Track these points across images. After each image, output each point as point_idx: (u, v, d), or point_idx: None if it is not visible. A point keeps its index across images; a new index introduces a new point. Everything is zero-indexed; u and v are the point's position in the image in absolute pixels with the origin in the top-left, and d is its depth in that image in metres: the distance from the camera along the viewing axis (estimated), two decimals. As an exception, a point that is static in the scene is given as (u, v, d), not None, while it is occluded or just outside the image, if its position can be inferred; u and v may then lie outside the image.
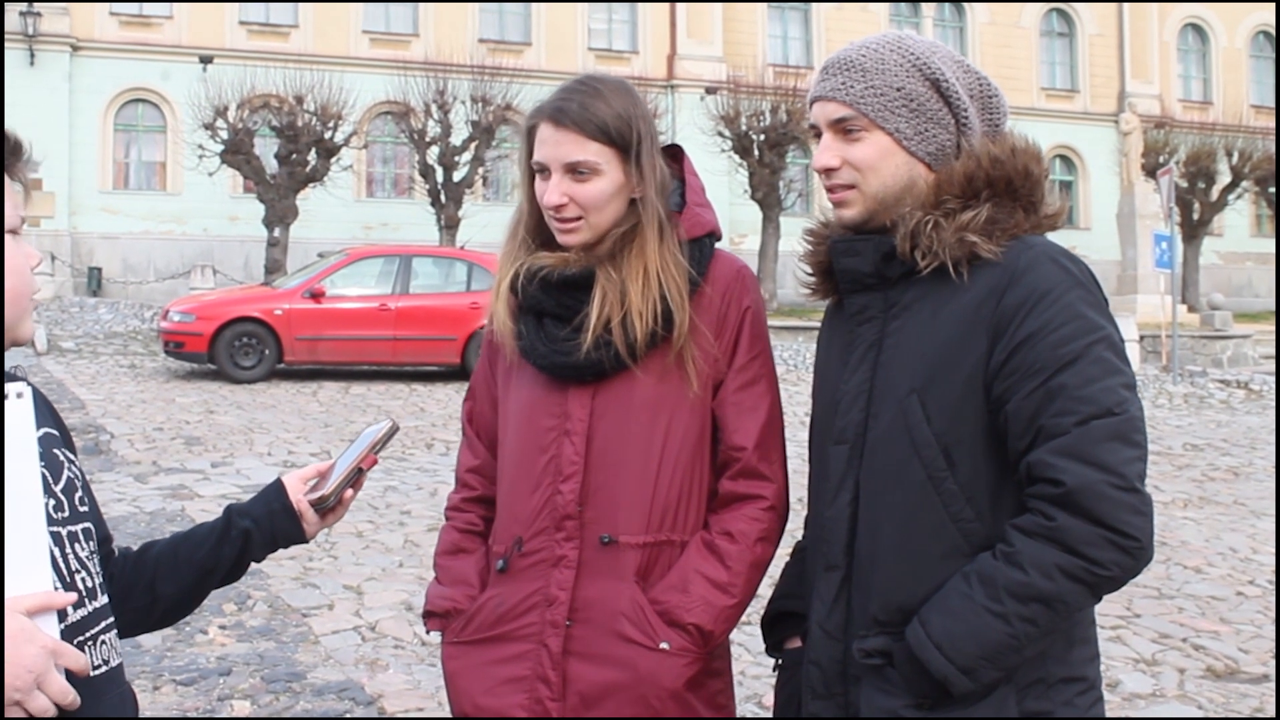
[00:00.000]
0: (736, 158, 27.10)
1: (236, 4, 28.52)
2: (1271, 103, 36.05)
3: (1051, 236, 1.81)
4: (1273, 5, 35.92)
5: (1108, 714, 1.81)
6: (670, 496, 1.94)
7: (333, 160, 24.32)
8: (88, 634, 1.53)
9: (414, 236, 24.67)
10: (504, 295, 2.04)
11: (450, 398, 13.70)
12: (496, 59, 26.87)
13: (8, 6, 25.52)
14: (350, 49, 29.16)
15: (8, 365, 1.58)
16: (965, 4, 35.17)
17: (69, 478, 1.60)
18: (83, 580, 1.55)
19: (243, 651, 5.05)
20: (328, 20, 29.11)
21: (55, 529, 1.51)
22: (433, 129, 25.17)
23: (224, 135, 23.64)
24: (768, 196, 26.76)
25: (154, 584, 1.78)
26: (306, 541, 1.90)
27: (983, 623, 1.63)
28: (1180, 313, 20.36)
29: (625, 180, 1.96)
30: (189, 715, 4.37)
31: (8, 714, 1.35)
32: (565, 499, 1.94)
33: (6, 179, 1.54)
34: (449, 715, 2.05)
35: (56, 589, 1.47)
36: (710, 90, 29.55)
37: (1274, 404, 15.14)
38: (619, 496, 1.94)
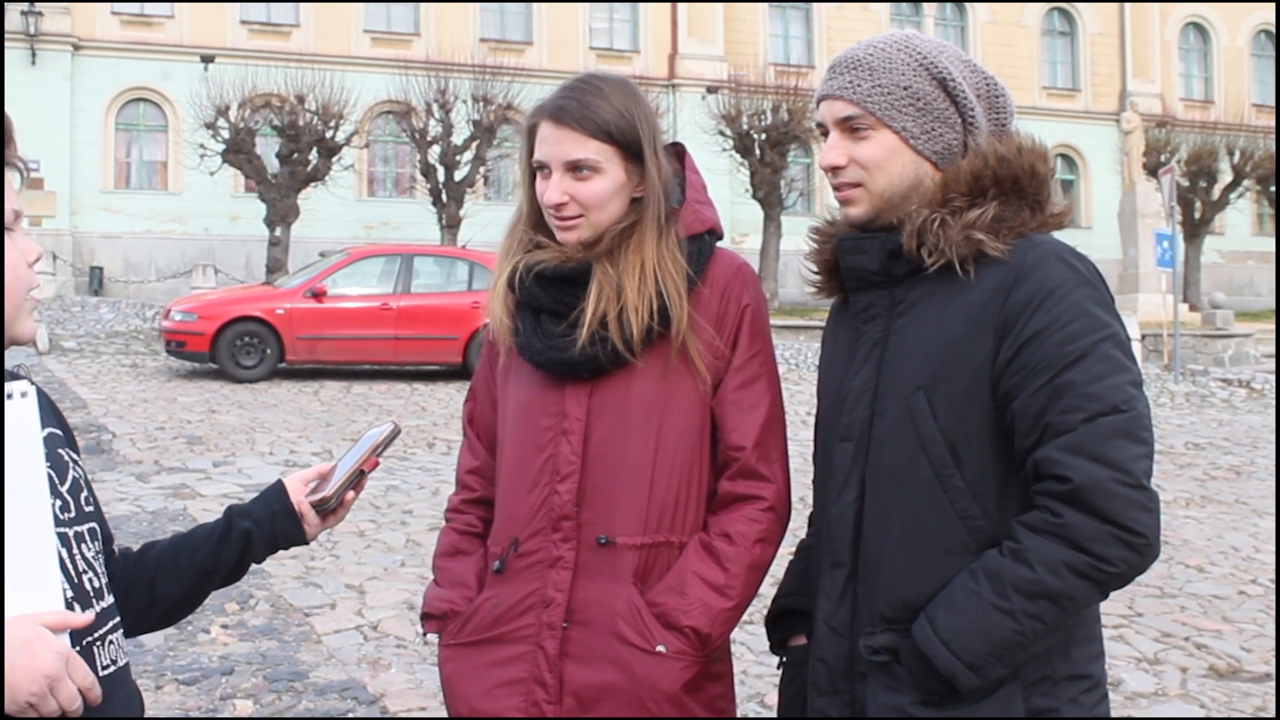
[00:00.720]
0: (738, 157, 27.10)
1: (238, 3, 28.51)
2: (1273, 101, 36.03)
3: (1054, 235, 1.80)
4: (1273, 4, 35.90)
5: (1110, 713, 1.81)
6: (668, 497, 1.92)
7: (334, 159, 24.33)
8: (96, 634, 1.53)
9: (415, 236, 24.69)
10: (501, 292, 2.02)
11: (452, 397, 13.70)
12: (498, 58, 26.87)
13: (9, 6, 25.53)
14: (351, 48, 29.16)
15: (9, 365, 1.56)
16: (967, 3, 35.15)
17: (74, 478, 1.59)
18: (90, 581, 1.54)
19: (245, 651, 5.05)
20: (329, 20, 29.12)
21: (62, 530, 1.51)
22: (434, 128, 25.17)
23: (225, 134, 23.64)
24: (769, 196, 26.76)
25: (154, 584, 1.78)
26: (307, 543, 1.89)
27: (990, 620, 1.63)
28: (1182, 311, 20.37)
29: (626, 179, 1.95)
30: (191, 715, 4.37)
31: (21, 716, 1.35)
32: (562, 499, 1.92)
33: (7, 170, 1.51)
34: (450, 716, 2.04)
35: (65, 591, 1.46)
36: (711, 89, 29.55)
37: (1275, 403, 15.14)
38: (616, 497, 1.92)
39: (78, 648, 1.45)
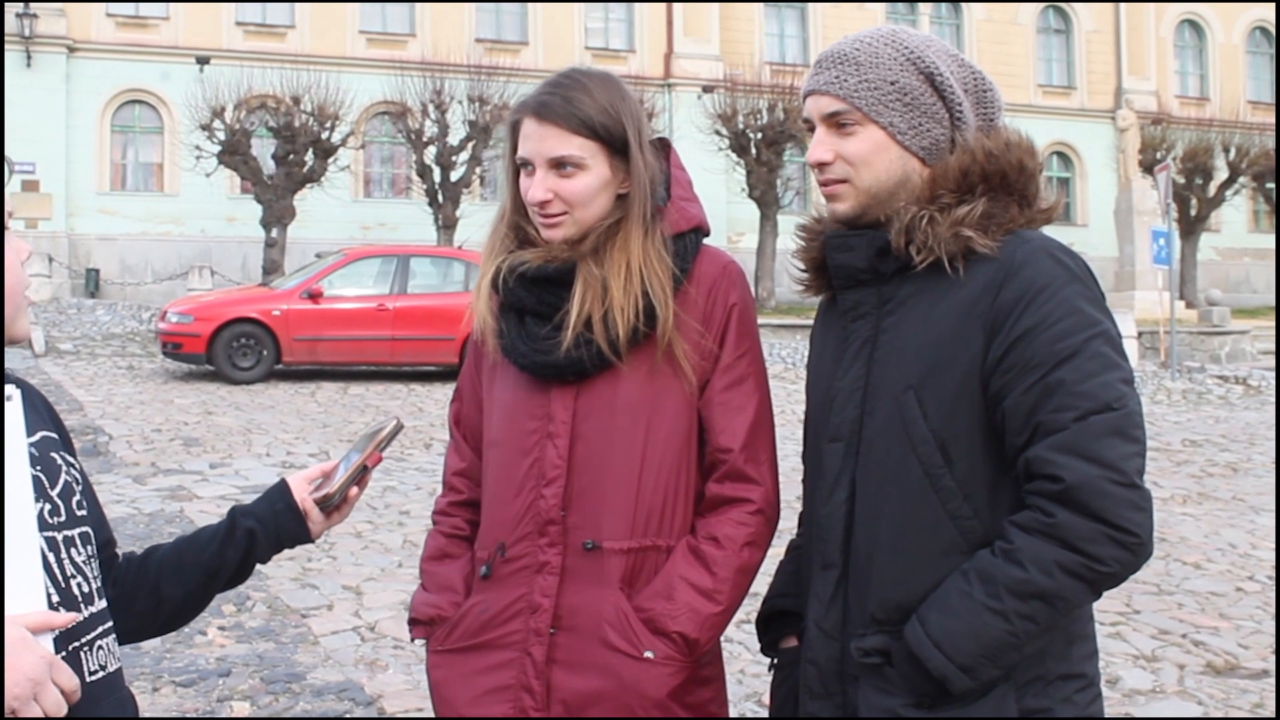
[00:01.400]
0: (734, 156, 27.12)
1: (233, 4, 28.50)
2: (1269, 98, 36.13)
3: (1049, 233, 1.79)
4: (1270, 2, 35.93)
5: (1108, 711, 1.80)
6: (655, 500, 1.90)
7: (330, 160, 24.32)
8: (83, 639, 1.51)
9: (411, 236, 24.66)
10: (485, 293, 2.00)
11: (448, 397, 13.67)
12: (493, 58, 26.88)
13: (4, 8, 25.49)
14: (347, 49, 29.14)
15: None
16: (962, 2, 35.16)
17: (66, 481, 1.58)
18: (78, 586, 1.53)
19: (242, 652, 5.04)
20: (324, 20, 29.09)
21: (50, 534, 1.50)
22: (430, 129, 25.17)
23: (221, 136, 23.63)
24: (765, 195, 26.78)
25: (159, 587, 1.77)
26: (312, 541, 1.88)
27: (982, 621, 1.62)
28: (1178, 309, 20.35)
29: (611, 175, 1.92)
30: (188, 716, 4.36)
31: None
32: (548, 503, 1.90)
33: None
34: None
35: (50, 595, 1.45)
36: (707, 89, 29.56)
37: (1273, 399, 15.14)
38: (603, 501, 1.89)
39: (63, 653, 1.44)
